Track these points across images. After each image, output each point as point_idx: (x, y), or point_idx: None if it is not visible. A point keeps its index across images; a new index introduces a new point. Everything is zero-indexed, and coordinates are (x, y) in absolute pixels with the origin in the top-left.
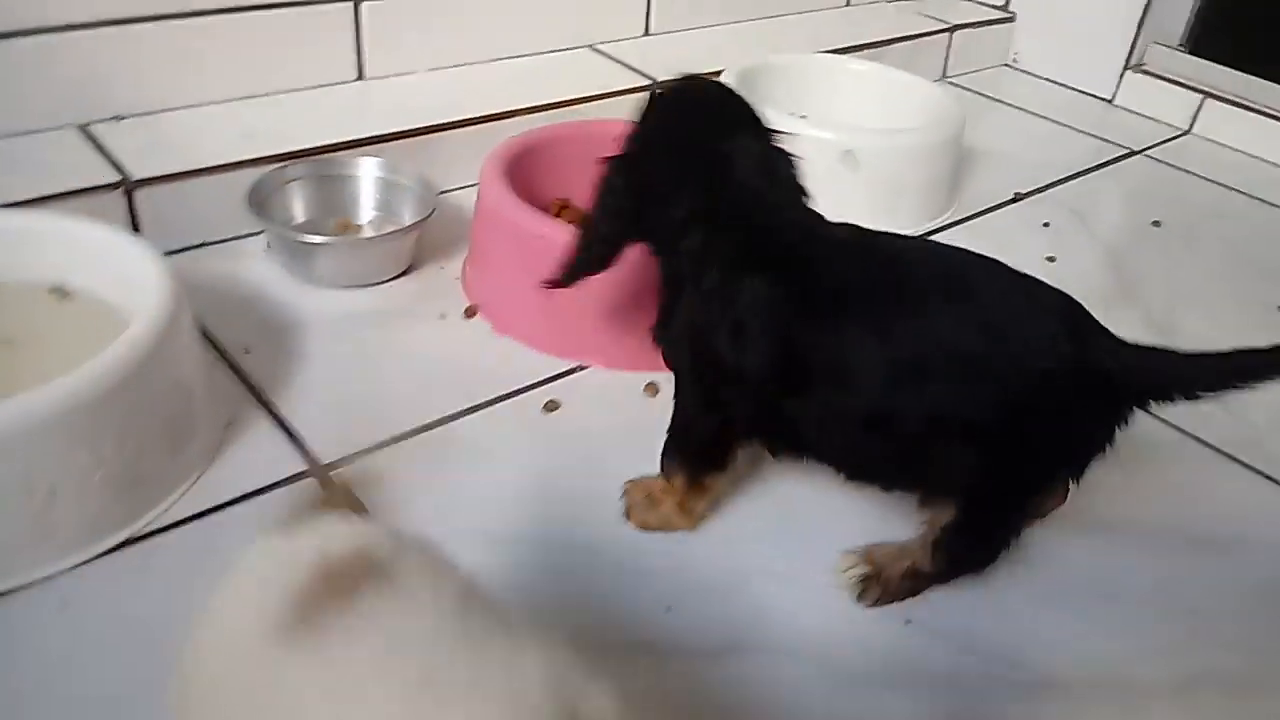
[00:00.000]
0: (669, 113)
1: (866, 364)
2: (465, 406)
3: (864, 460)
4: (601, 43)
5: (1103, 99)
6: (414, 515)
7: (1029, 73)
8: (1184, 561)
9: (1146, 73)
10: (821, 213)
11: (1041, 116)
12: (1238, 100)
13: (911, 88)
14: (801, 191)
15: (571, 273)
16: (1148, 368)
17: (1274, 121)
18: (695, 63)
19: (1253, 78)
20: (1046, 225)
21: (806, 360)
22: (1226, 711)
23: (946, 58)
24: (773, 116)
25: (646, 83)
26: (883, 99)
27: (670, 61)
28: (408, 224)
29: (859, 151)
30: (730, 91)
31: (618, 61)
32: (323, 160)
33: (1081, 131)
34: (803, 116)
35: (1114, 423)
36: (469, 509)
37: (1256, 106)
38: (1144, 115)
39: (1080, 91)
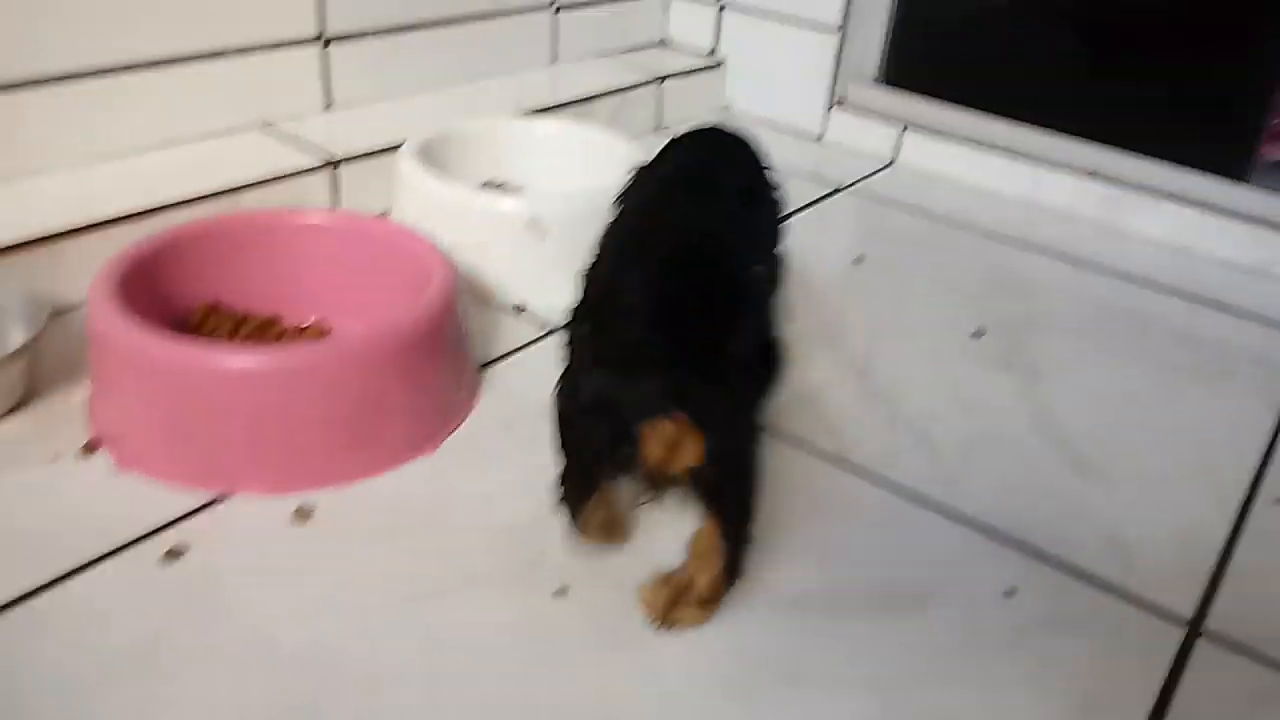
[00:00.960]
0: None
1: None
2: (61, 572)
3: None
4: (276, 121)
5: (813, 136)
6: None
7: (744, 115)
8: (875, 626)
9: (849, 108)
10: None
11: None
12: (935, 129)
13: (606, 146)
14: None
15: None
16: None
17: (970, 147)
18: (382, 135)
19: (947, 106)
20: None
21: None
22: None
23: (659, 109)
24: (456, 189)
25: (322, 162)
26: (583, 159)
27: (353, 137)
28: (9, 351)
29: (545, 218)
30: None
31: (293, 141)
32: None
33: (792, 173)
34: (498, 184)
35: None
36: (56, 703)
37: (953, 133)
38: (852, 150)
39: (792, 132)
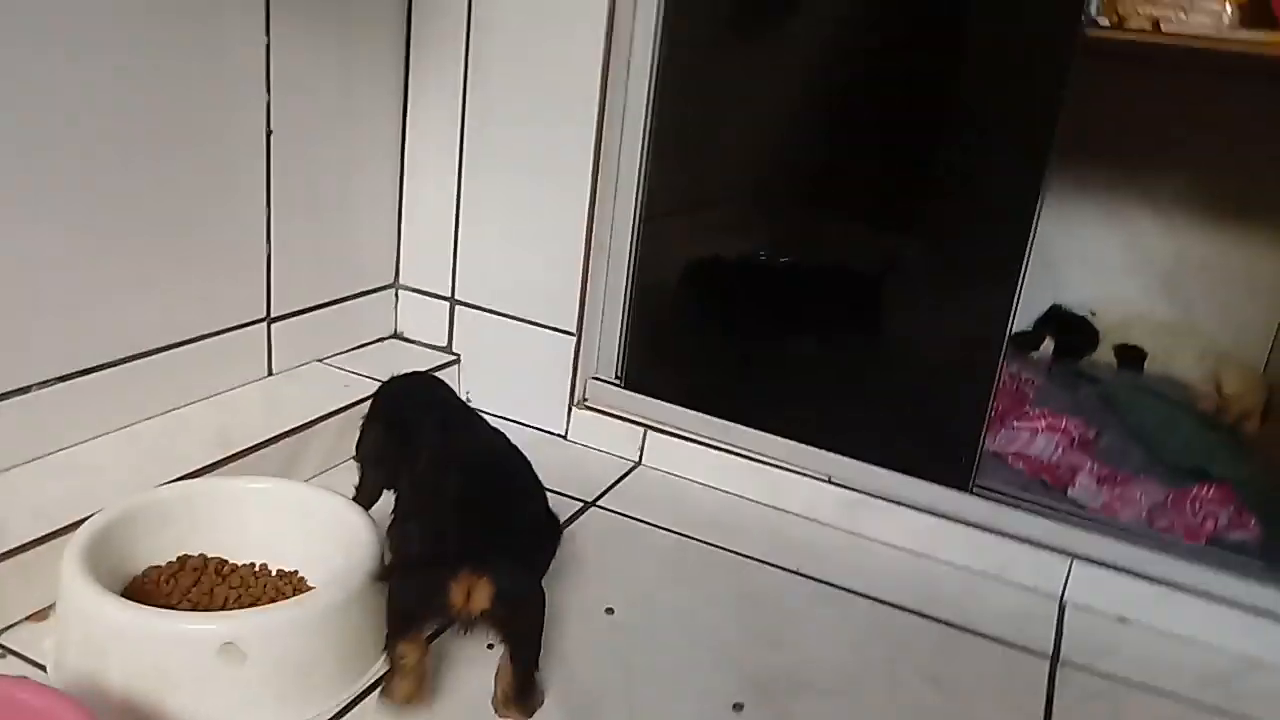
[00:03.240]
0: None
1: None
2: None
3: None
4: None
5: (557, 434)
6: None
7: (486, 412)
8: None
9: (590, 408)
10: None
11: None
12: (676, 432)
13: (321, 506)
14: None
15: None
16: None
17: (711, 450)
18: (50, 512)
19: (685, 410)
20: (491, 647)
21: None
22: None
23: None
24: (126, 611)
25: None
26: (300, 518)
27: (8, 522)
28: None
29: (241, 640)
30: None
31: None
32: None
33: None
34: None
35: None
36: None
37: (693, 437)
38: (597, 449)
39: (536, 429)
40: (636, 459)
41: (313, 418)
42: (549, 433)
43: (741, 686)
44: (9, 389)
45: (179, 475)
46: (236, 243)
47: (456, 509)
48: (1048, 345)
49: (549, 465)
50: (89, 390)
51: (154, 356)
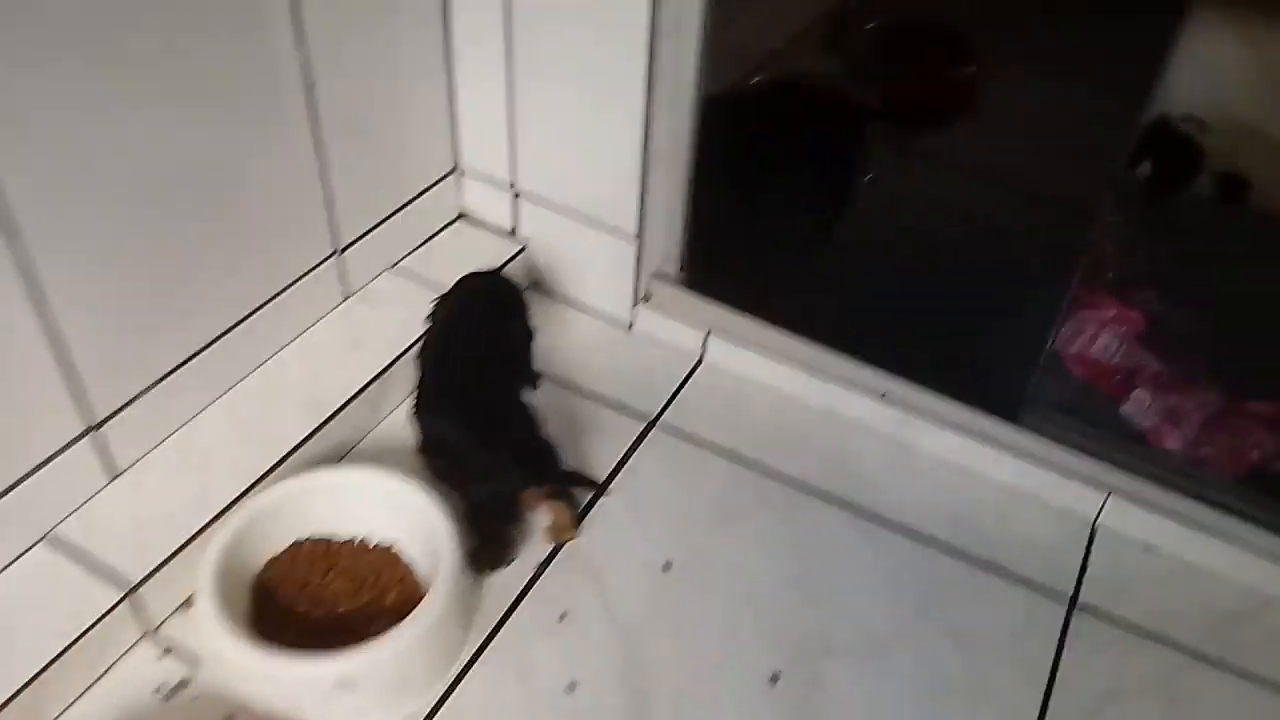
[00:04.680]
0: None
1: None
2: None
3: None
4: (60, 526)
5: (624, 325)
6: None
7: (555, 297)
8: None
9: (653, 307)
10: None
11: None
12: (738, 336)
13: (404, 491)
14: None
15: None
16: None
17: (772, 356)
18: (180, 516)
19: (742, 315)
20: (563, 617)
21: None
22: None
23: None
24: (259, 657)
25: (121, 593)
26: (387, 501)
27: (146, 533)
28: None
29: (354, 673)
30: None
31: (83, 556)
32: None
33: (603, 386)
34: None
35: None
36: None
37: (755, 343)
38: (661, 343)
39: (603, 318)
40: (700, 355)
41: (392, 358)
42: (616, 322)
43: (779, 651)
44: (134, 394)
45: (281, 455)
46: (293, 193)
47: (482, 440)
48: (1144, 169)
49: (614, 363)
50: (186, 376)
51: (237, 329)
